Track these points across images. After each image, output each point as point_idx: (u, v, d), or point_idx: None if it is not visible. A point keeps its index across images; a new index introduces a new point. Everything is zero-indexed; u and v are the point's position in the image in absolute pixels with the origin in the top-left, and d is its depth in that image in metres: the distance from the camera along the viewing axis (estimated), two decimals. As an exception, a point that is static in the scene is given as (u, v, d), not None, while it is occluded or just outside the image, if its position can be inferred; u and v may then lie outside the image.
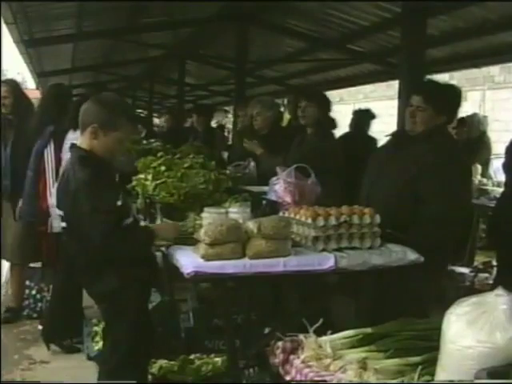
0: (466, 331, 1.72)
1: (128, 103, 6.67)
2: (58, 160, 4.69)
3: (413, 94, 3.53)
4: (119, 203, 2.90)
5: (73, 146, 3.10)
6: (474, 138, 7.54)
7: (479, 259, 6.66)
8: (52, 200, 4.62)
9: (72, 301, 4.64)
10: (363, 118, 7.59)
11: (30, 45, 8.52)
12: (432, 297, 3.26)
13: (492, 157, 7.96)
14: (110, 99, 3.14)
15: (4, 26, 6.97)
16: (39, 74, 12.92)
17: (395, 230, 3.15)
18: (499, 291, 1.77)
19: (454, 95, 3.57)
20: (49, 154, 4.80)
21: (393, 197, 3.35)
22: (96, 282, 3.00)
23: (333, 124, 4.98)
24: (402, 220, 3.25)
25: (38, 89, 15.70)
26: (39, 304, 5.23)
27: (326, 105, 4.92)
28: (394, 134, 3.80)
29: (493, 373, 1.61)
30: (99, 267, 2.95)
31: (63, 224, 3.08)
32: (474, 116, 7.96)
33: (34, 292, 5.25)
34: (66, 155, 4.66)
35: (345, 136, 7.24)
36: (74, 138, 4.66)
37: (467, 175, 3.62)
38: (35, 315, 5.15)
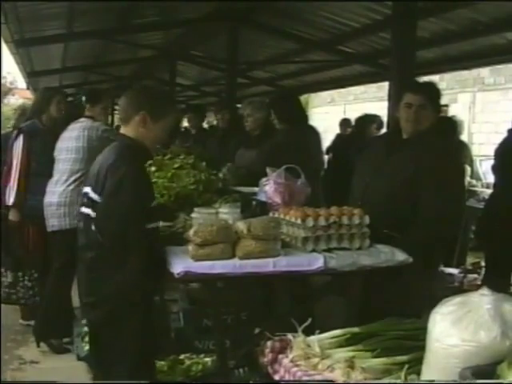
0: (451, 330, 1.75)
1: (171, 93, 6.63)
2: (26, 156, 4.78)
3: (412, 93, 3.45)
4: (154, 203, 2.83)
5: (117, 133, 2.97)
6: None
7: (468, 260, 6.70)
8: (48, 198, 4.62)
9: (64, 301, 4.65)
10: (366, 122, 7.59)
11: (20, 45, 8.49)
12: (423, 297, 3.27)
13: (483, 158, 7.96)
14: (157, 87, 3.16)
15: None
16: (30, 74, 12.86)
17: (392, 230, 3.16)
18: (484, 291, 1.79)
19: (440, 94, 3.58)
20: (17, 148, 4.79)
21: (390, 198, 3.33)
22: (107, 280, 2.83)
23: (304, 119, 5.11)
24: (400, 221, 3.25)
25: (28, 89, 15.64)
26: None
27: (290, 101, 5.02)
28: (386, 135, 3.78)
29: (477, 371, 1.63)
30: (114, 265, 2.79)
31: (92, 214, 2.84)
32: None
33: None
34: (60, 154, 4.68)
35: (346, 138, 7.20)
36: (68, 136, 4.69)
37: (461, 175, 3.63)
38: None
